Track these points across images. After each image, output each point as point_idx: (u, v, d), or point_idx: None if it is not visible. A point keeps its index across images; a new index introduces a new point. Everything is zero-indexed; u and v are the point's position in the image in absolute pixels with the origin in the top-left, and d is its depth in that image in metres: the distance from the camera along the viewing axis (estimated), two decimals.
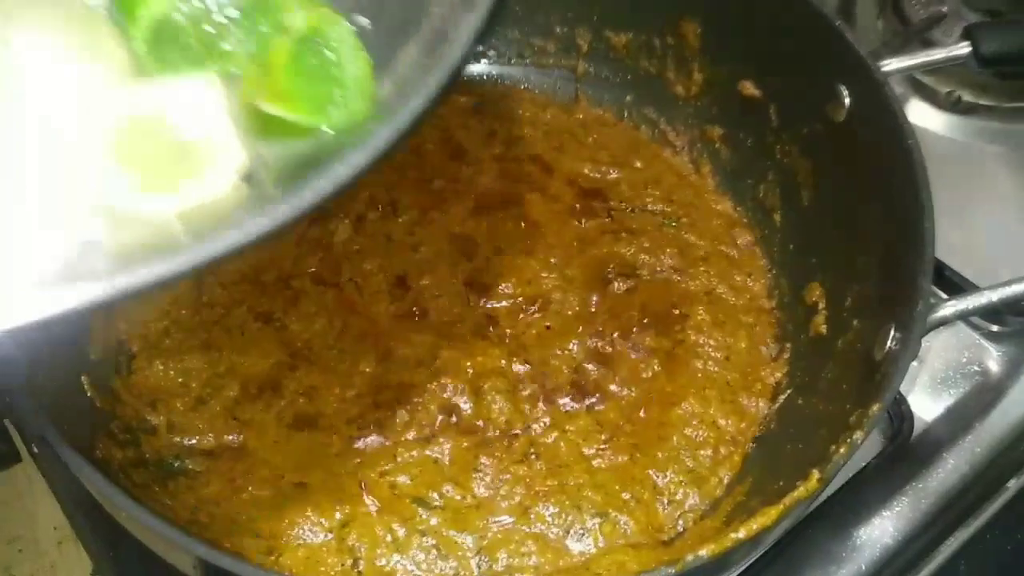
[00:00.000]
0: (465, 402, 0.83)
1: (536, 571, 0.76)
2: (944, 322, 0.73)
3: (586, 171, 1.00)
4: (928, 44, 1.07)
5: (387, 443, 0.80)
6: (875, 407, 0.68)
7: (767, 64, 0.93)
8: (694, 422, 0.84)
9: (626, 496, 0.79)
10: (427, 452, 0.80)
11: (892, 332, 0.72)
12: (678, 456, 0.82)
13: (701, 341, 0.88)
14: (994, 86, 1.11)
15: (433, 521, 0.77)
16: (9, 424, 0.87)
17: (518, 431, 0.82)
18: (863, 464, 0.84)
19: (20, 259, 0.48)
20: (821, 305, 0.86)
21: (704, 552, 0.63)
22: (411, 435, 0.81)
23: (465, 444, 0.81)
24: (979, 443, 0.86)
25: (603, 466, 0.81)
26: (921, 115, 1.12)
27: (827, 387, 0.80)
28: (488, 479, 0.80)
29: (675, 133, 1.04)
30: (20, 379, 0.66)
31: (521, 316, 0.89)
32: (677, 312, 0.90)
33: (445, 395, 0.83)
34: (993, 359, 0.93)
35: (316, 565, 0.74)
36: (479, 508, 0.78)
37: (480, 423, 0.82)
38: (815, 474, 0.66)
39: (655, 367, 0.87)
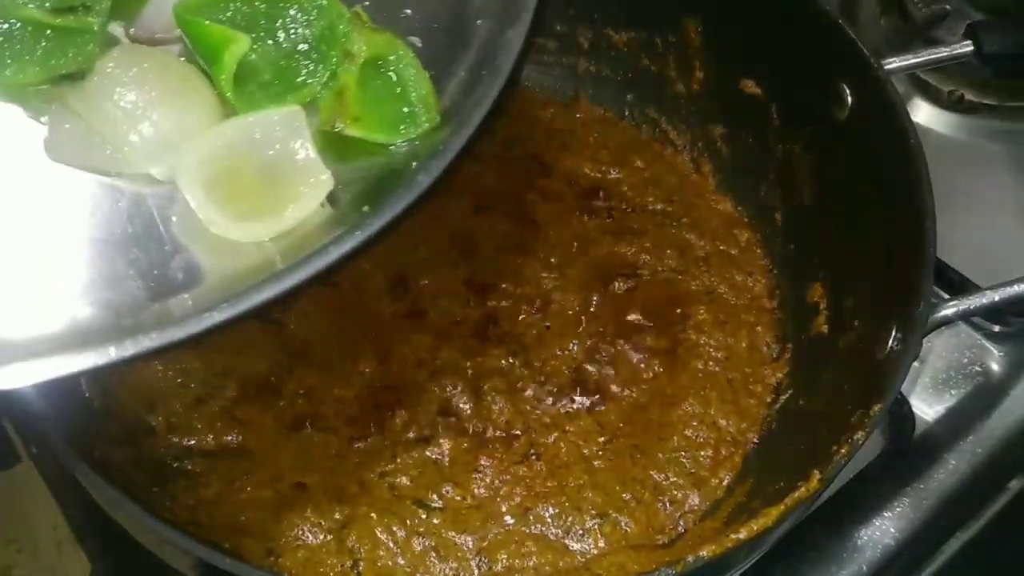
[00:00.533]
0: (465, 402, 0.83)
1: (536, 572, 0.76)
2: (945, 322, 0.73)
3: (586, 170, 1.00)
4: (931, 42, 1.07)
5: (386, 444, 0.80)
6: (876, 407, 0.67)
7: (769, 62, 0.92)
8: (695, 423, 0.83)
9: (626, 497, 0.79)
10: (427, 453, 0.80)
11: (893, 332, 0.71)
12: (678, 457, 0.82)
13: (702, 341, 0.88)
14: (997, 85, 1.11)
15: (433, 522, 0.77)
16: (9, 425, 0.87)
17: (518, 432, 0.82)
18: (864, 464, 0.84)
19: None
20: (822, 305, 0.86)
21: (705, 553, 0.63)
22: (411, 435, 0.81)
23: (465, 445, 0.81)
24: (980, 443, 0.86)
25: (603, 467, 0.81)
26: (923, 114, 1.11)
27: (828, 387, 0.80)
28: (488, 480, 0.79)
29: (676, 132, 1.03)
30: None
31: (521, 316, 0.89)
32: (678, 312, 0.90)
33: (445, 395, 0.83)
34: (994, 359, 0.93)
35: (315, 566, 0.74)
36: (479, 509, 0.78)
37: (480, 423, 0.82)
38: (816, 474, 0.66)
39: (655, 367, 0.86)
